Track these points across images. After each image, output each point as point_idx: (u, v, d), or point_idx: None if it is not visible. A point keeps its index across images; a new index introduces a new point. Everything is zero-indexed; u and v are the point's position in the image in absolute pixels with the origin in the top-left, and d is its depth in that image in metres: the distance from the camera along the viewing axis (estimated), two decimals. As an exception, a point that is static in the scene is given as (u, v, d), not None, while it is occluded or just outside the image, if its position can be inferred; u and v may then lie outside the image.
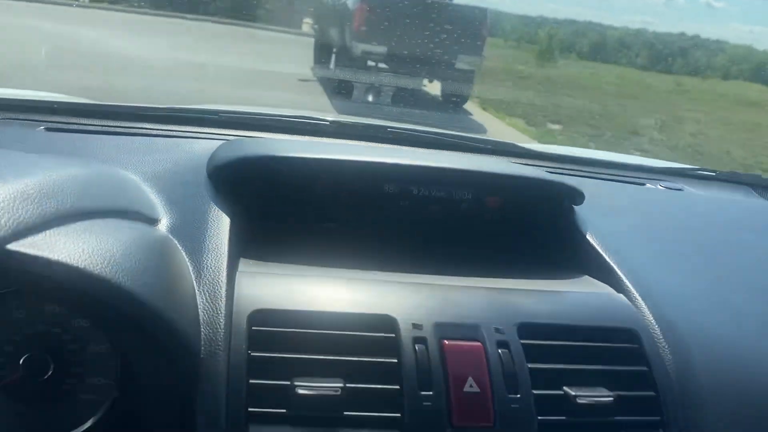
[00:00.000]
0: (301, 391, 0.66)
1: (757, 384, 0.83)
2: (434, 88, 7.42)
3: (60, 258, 0.57)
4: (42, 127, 1.10)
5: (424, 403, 0.68)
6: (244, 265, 0.79)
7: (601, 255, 0.94)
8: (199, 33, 8.85)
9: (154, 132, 1.15)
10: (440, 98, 7.33)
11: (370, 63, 7.14)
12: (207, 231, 0.81)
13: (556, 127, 7.70)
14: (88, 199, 0.70)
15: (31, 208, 0.59)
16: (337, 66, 7.43)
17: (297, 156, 0.92)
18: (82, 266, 0.59)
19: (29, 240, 0.56)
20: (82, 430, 0.73)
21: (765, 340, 0.89)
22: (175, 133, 1.16)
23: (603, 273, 0.92)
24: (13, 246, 0.55)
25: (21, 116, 1.15)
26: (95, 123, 1.17)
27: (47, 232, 0.59)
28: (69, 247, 0.59)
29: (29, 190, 0.61)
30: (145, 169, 0.90)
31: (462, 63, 7.01)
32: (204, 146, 1.02)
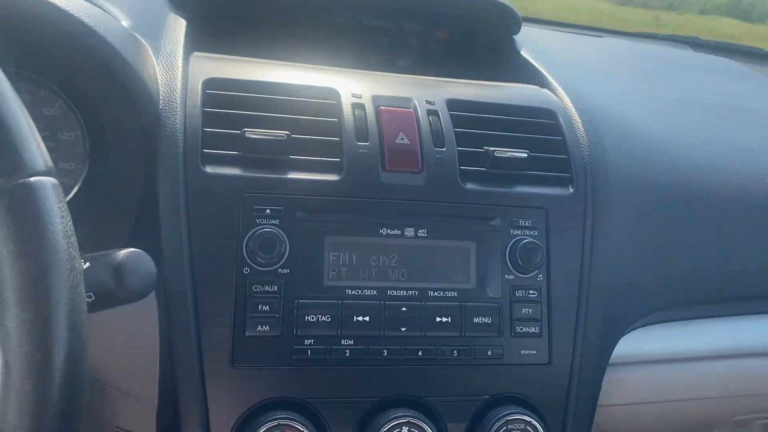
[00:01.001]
0: (250, 136, 0.75)
1: (662, 166, 0.94)
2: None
3: (56, 2, 0.65)
4: None
5: (361, 151, 0.78)
6: (200, 54, 0.87)
7: (532, 64, 1.04)
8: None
9: None
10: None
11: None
12: (165, 29, 0.88)
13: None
14: None
15: None
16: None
17: None
18: (74, 13, 0.68)
19: None
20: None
21: (677, 134, 1.00)
22: None
23: (533, 78, 1.01)
24: None
25: None
26: None
27: None
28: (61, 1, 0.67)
29: None
30: None
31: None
32: None
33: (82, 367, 0.43)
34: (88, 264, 0.57)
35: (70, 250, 0.44)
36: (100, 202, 0.79)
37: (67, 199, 0.78)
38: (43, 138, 0.79)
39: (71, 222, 0.46)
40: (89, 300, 0.57)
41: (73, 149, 0.80)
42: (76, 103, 0.78)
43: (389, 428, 0.72)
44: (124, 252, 0.58)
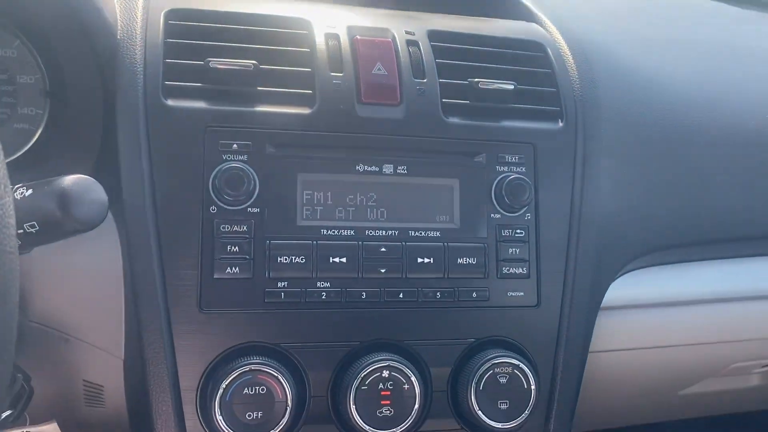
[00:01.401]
0: (214, 65, 0.70)
1: (656, 102, 0.89)
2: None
3: None
4: None
5: (335, 82, 0.73)
6: None
7: (522, 3, 0.98)
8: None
9: None
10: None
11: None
12: None
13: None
14: None
15: None
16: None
17: None
18: None
19: None
20: (19, 154, 0.76)
21: (672, 70, 0.95)
22: None
23: (522, 15, 0.95)
24: None
25: None
26: None
27: None
28: None
29: None
30: None
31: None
32: None
33: (10, 293, 0.39)
34: (30, 191, 0.53)
35: None
36: (62, 144, 0.75)
37: (30, 143, 0.75)
38: (2, 81, 0.76)
39: None
40: (33, 230, 0.52)
41: (33, 93, 0.76)
42: (34, 42, 0.74)
43: (369, 372, 0.68)
44: (69, 178, 0.53)
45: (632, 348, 0.86)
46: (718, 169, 0.87)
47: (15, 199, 0.52)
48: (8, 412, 0.65)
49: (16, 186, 0.54)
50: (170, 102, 0.69)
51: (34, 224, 0.51)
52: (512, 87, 0.78)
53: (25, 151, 0.75)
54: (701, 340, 0.89)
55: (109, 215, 0.72)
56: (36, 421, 0.74)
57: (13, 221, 0.40)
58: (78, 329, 0.73)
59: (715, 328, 0.89)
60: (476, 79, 0.77)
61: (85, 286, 0.72)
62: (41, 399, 0.72)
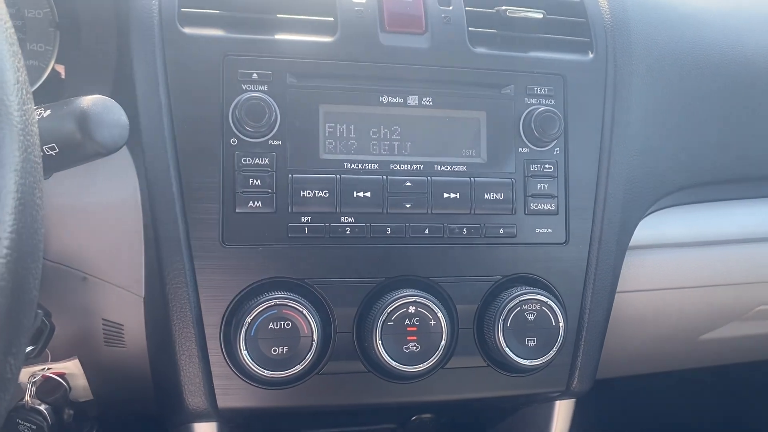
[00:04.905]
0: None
1: (689, 34, 0.85)
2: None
3: None
4: None
5: (357, 9, 0.70)
6: None
7: None
8: None
9: None
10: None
11: None
12: None
13: None
14: None
15: None
16: None
17: None
18: None
19: None
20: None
21: (705, 2, 0.91)
22: None
23: None
24: None
25: None
26: None
27: None
28: None
29: None
30: None
31: None
32: None
33: (36, 203, 0.36)
34: (48, 111, 0.50)
35: (14, 58, 0.37)
36: (74, 79, 0.72)
37: (41, 80, 0.72)
38: (9, 17, 0.73)
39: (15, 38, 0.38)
40: (53, 153, 0.50)
41: (41, 28, 0.73)
42: None
43: (395, 308, 0.67)
44: (88, 98, 0.51)
45: (658, 288, 0.84)
46: (755, 107, 0.84)
47: None
48: (30, 348, 0.64)
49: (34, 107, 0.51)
50: (187, 30, 0.66)
51: (53, 146, 0.49)
52: (541, 15, 0.75)
53: (36, 89, 0.72)
54: (728, 281, 0.87)
55: (125, 150, 0.70)
56: (57, 360, 0.74)
57: (36, 129, 0.38)
58: (96, 267, 0.71)
59: (743, 269, 0.87)
60: (504, 7, 0.74)
61: (102, 223, 0.70)
62: (61, 338, 0.71)
